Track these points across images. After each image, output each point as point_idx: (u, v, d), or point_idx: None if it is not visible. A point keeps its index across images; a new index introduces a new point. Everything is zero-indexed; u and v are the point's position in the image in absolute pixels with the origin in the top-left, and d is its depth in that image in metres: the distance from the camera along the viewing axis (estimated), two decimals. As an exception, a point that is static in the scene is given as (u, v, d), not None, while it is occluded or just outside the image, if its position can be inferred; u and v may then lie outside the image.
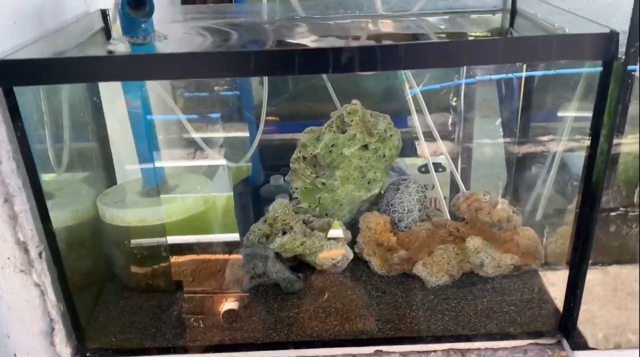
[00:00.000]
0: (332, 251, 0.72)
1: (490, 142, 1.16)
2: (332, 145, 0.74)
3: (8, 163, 0.61)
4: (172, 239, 0.76)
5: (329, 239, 0.74)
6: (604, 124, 0.58)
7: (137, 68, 0.55)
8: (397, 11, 0.83)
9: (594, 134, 0.59)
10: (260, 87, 1.51)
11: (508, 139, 1.07)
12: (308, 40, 0.72)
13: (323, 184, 0.76)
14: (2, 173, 0.62)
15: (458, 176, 0.96)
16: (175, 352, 0.71)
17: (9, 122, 0.59)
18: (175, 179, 0.80)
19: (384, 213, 0.77)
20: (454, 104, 1.14)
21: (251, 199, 1.22)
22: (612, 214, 0.73)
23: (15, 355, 0.73)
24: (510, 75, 1.03)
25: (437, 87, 1.13)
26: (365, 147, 0.75)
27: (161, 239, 0.74)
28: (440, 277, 0.72)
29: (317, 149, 0.74)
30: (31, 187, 0.62)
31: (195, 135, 0.94)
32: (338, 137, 0.74)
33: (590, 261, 0.64)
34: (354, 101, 0.75)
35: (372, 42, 0.69)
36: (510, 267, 0.73)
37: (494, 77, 1.10)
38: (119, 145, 0.82)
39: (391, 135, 0.75)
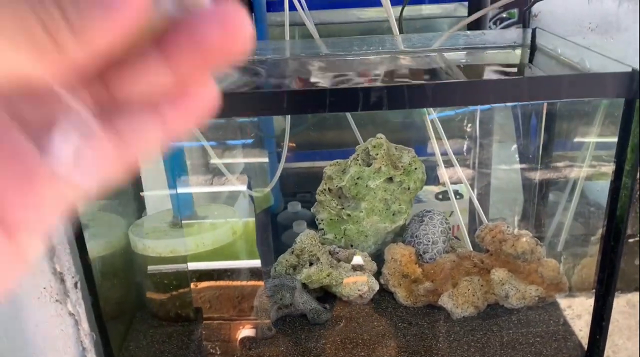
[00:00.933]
0: (356, 277, 0.73)
1: (506, 168, 1.17)
2: (357, 178, 0.76)
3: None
4: (192, 266, 0.78)
5: (355, 269, 0.75)
6: (627, 160, 0.60)
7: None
8: (418, 47, 0.86)
9: (618, 169, 0.60)
10: (280, 117, 1.53)
11: (524, 165, 1.08)
12: (332, 77, 0.75)
13: (348, 215, 0.78)
14: (43, 206, 0.65)
15: (477, 202, 0.97)
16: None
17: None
18: (204, 210, 0.82)
19: (408, 244, 0.78)
20: (469, 130, 1.16)
21: (271, 223, 1.24)
22: (631, 240, 0.74)
23: (47, 383, 0.75)
24: (526, 102, 1.04)
25: (452, 113, 1.15)
26: (390, 179, 0.77)
27: (186, 268, 0.76)
28: (466, 308, 0.72)
29: (343, 182, 0.76)
30: (69, 218, 0.64)
31: (218, 161, 0.96)
32: (364, 170, 0.76)
33: (615, 294, 0.64)
34: (379, 135, 0.77)
35: (398, 81, 0.72)
36: (535, 298, 0.73)
37: (509, 104, 1.12)
38: (149, 176, 0.84)
39: (416, 168, 0.77)
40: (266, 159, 1.39)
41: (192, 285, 0.78)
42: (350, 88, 0.59)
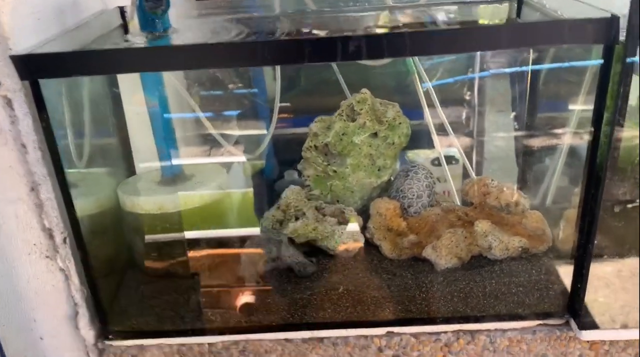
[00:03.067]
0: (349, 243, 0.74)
1: (502, 136, 1.18)
2: (342, 134, 0.76)
3: (34, 153, 0.65)
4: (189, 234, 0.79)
5: (340, 223, 0.76)
6: (607, 107, 0.60)
7: (154, 59, 0.58)
8: (406, 2, 0.85)
9: (597, 117, 0.61)
10: (274, 84, 1.53)
11: (521, 133, 1.08)
12: (319, 31, 0.75)
13: (334, 171, 0.79)
14: (29, 162, 0.65)
15: (470, 168, 0.97)
16: (192, 334, 0.73)
17: (35, 114, 0.62)
18: (191, 169, 0.82)
19: (393, 199, 0.79)
20: (467, 97, 1.15)
21: (266, 192, 1.25)
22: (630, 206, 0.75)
23: (41, 338, 0.76)
24: (523, 68, 1.04)
25: (451, 81, 1.15)
26: (375, 135, 0.77)
27: (178, 227, 0.77)
28: (449, 260, 0.74)
29: (328, 138, 0.77)
30: (56, 175, 0.65)
31: (213, 131, 0.96)
32: (348, 125, 0.76)
33: (595, 241, 0.65)
34: (364, 90, 0.77)
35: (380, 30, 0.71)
36: (519, 249, 0.74)
37: (506, 70, 1.11)
38: (138, 138, 0.85)
39: (400, 123, 0.78)
40: (263, 131, 1.39)
41: (189, 252, 0.79)
42: (328, 37, 0.59)
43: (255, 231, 0.80)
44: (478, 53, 1.06)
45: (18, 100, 0.62)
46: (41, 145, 0.64)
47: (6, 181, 0.67)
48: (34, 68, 0.57)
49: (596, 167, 0.63)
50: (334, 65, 0.96)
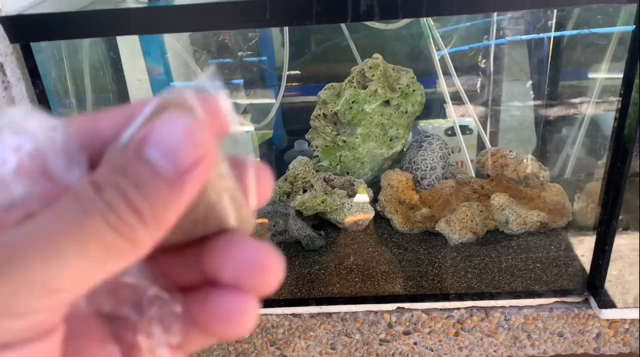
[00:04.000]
0: (357, 215, 0.71)
1: (520, 106, 1.13)
2: (352, 102, 0.73)
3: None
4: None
5: (350, 196, 0.73)
6: (638, 73, 0.55)
7: (152, 20, 0.55)
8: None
9: (627, 83, 0.56)
10: (282, 50, 1.48)
11: (538, 102, 1.04)
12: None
13: (344, 141, 0.75)
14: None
15: (486, 138, 0.94)
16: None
17: (28, 80, 0.59)
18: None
19: (406, 171, 0.76)
20: (482, 65, 1.11)
21: (275, 162, 1.22)
22: None
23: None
24: (540, 35, 0.99)
25: (466, 48, 1.10)
26: (387, 103, 0.73)
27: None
28: (464, 234, 0.70)
29: (338, 106, 0.73)
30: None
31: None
32: (359, 93, 0.72)
33: (620, 217, 0.62)
34: (376, 55, 0.73)
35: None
36: (537, 224, 0.71)
37: (524, 37, 1.06)
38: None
39: (414, 91, 0.73)
40: (272, 99, 1.35)
41: None
42: (338, -4, 0.54)
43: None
44: (494, 19, 1.01)
45: (10, 65, 0.59)
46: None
47: None
48: (24, 30, 0.54)
49: (623, 138, 0.59)
50: (345, 30, 0.92)
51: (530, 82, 1.05)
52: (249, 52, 1.32)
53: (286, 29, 1.00)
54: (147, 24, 0.56)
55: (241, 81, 1.29)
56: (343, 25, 0.94)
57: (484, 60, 1.10)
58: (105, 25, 0.55)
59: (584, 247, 0.71)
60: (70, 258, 0.17)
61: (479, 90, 1.12)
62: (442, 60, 0.88)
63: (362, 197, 0.76)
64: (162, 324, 0.20)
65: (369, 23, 0.87)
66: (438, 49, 0.88)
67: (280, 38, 1.47)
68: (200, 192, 0.18)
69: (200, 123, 0.18)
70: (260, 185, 0.21)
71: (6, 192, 0.18)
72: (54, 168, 0.19)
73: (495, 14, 0.97)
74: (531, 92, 1.06)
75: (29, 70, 0.57)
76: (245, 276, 0.20)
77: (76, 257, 0.17)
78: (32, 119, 0.19)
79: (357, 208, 0.71)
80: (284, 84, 0.98)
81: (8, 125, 0.19)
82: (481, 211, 0.71)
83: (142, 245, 0.18)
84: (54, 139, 0.19)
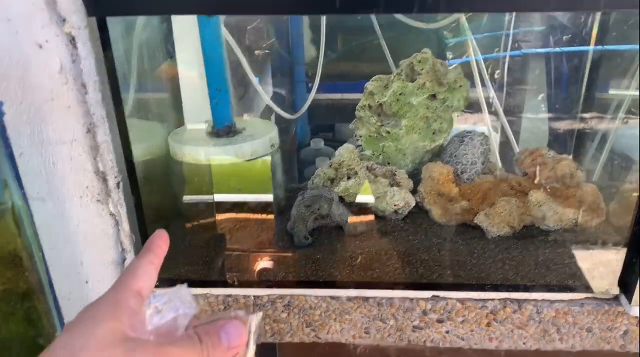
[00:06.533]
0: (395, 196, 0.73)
1: (533, 117, 1.15)
2: (400, 94, 0.75)
3: (94, 94, 0.64)
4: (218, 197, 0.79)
5: (392, 185, 0.75)
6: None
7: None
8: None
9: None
10: (310, 46, 1.50)
11: (554, 115, 1.05)
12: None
13: (388, 132, 0.77)
14: (88, 103, 0.65)
15: (514, 141, 0.96)
16: (239, 286, 0.74)
17: (99, 53, 0.61)
18: (242, 123, 0.82)
19: (446, 164, 0.78)
20: (496, 76, 1.13)
21: (296, 157, 1.24)
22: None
23: (86, 282, 0.77)
24: (556, 49, 1.01)
25: (482, 58, 1.12)
26: (433, 96, 0.76)
27: (227, 177, 0.76)
28: (502, 228, 0.73)
29: (385, 97, 0.75)
30: (116, 118, 0.64)
31: (259, 89, 0.95)
32: (407, 85, 0.75)
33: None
34: (425, 50, 0.75)
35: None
36: (572, 221, 0.73)
37: (539, 50, 1.08)
38: (188, 88, 0.84)
39: (460, 86, 0.76)
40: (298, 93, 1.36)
41: (217, 215, 0.79)
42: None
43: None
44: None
45: (82, 39, 0.61)
46: (102, 87, 0.63)
47: (63, 121, 0.66)
48: (103, 4, 0.56)
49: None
50: (377, 27, 0.93)
51: (544, 94, 1.07)
52: (277, 45, 1.33)
53: (323, 22, 1.01)
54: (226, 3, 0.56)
55: (268, 73, 1.30)
56: (375, 24, 0.96)
57: (497, 71, 1.11)
58: (185, 4, 0.56)
59: (617, 246, 0.73)
60: None
61: (491, 100, 1.14)
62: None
63: (404, 188, 0.77)
64: None
65: (410, 21, 0.89)
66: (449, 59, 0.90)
67: (309, 34, 1.49)
68: None
69: (246, 331, 0.42)
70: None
71: (176, 333, 0.40)
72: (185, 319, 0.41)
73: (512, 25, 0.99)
74: (544, 105, 1.08)
75: (103, 44, 0.59)
76: None
77: None
78: (187, 293, 0.42)
79: (399, 197, 0.73)
80: (318, 78, 1.00)
81: (178, 298, 0.41)
82: (518, 207, 0.74)
83: None
84: (192, 306, 0.42)
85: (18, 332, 0.67)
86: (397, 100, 0.75)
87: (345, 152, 0.73)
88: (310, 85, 1.15)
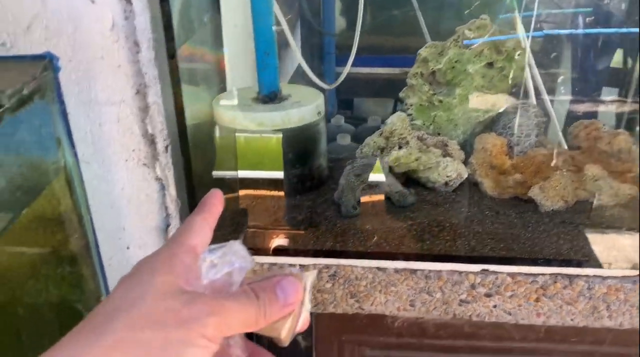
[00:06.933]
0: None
1: (554, 99, 1.12)
2: (455, 61, 0.73)
3: (147, 52, 0.62)
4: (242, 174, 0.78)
5: (444, 156, 0.73)
6: None
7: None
8: None
9: None
10: (341, 19, 1.47)
11: (576, 97, 1.02)
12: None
13: (440, 101, 0.75)
14: (140, 62, 0.63)
15: (551, 110, 0.93)
16: (286, 254, 0.73)
17: (155, 9, 0.59)
18: (288, 89, 0.79)
19: (499, 136, 0.76)
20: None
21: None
22: None
23: (128, 248, 0.76)
24: (580, 31, 0.98)
25: (503, 38, 1.08)
26: (490, 65, 0.73)
27: (273, 144, 0.74)
28: (556, 201, 0.71)
29: (440, 64, 0.73)
30: (171, 78, 0.62)
31: (300, 58, 0.92)
32: (463, 52, 0.72)
33: None
34: (483, 16, 0.72)
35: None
36: (628, 197, 0.71)
37: (562, 32, 1.05)
38: (233, 52, 0.82)
39: (519, 54, 0.73)
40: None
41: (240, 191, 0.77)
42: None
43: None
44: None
45: (137, -7, 0.59)
46: (156, 45, 0.61)
47: (112, 81, 0.64)
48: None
49: None
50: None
51: (564, 77, 1.04)
52: (308, 16, 1.30)
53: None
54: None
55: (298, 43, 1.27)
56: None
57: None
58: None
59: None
60: (237, 318, 0.37)
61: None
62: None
63: (456, 159, 0.75)
64: None
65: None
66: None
67: (340, 6, 1.45)
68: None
69: (302, 288, 0.40)
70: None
71: (230, 289, 0.39)
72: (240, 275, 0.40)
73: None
74: (564, 88, 1.04)
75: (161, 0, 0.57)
76: None
77: (239, 319, 0.37)
78: (242, 248, 0.41)
79: (452, 168, 0.72)
80: (354, 50, 0.98)
81: (234, 253, 0.40)
82: (573, 181, 0.72)
83: (259, 325, 0.38)
84: (248, 260, 0.41)
85: (64, 297, 0.66)
86: (453, 67, 0.72)
87: (397, 120, 0.71)
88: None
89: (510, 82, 0.74)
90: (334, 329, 0.80)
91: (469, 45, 0.72)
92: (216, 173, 0.79)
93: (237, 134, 0.72)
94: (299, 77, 1.14)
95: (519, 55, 0.73)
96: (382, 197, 0.72)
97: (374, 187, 0.73)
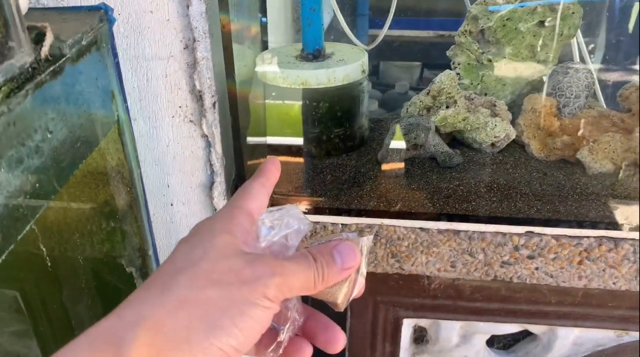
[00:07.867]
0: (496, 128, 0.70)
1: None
2: (507, 19, 0.71)
3: (198, 5, 0.61)
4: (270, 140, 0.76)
5: (492, 116, 0.72)
6: None
7: None
8: None
9: None
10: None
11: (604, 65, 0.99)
12: None
13: (489, 60, 0.74)
14: (190, 16, 0.62)
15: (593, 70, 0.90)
16: (328, 213, 0.73)
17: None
18: (332, 47, 0.78)
19: (549, 96, 0.75)
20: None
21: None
22: None
23: (171, 204, 0.77)
24: None
25: (532, 4, 1.05)
26: (541, 23, 0.71)
27: (322, 103, 0.74)
28: (604, 164, 0.70)
29: (490, 22, 0.71)
30: (222, 31, 0.62)
31: (344, 24, 0.90)
32: (516, 10, 0.70)
33: None
34: (537, -27, 0.70)
35: None
36: (680, 162, 0.70)
37: None
38: (275, 8, 0.80)
39: (573, 13, 0.71)
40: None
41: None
42: None
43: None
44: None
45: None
46: (208, -3, 0.60)
47: (160, 35, 0.64)
48: None
49: None
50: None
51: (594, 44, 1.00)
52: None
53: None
54: None
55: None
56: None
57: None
58: None
59: None
60: (297, 280, 0.37)
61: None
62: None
63: (505, 120, 0.73)
64: (293, 328, 0.40)
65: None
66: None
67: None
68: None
69: (359, 253, 0.40)
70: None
71: (287, 252, 0.40)
72: (297, 238, 0.40)
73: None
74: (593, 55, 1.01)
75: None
76: (326, 346, 0.41)
77: (298, 281, 0.37)
78: (298, 212, 0.41)
79: (501, 128, 0.71)
80: (393, 9, 0.95)
81: (290, 215, 0.40)
82: (622, 144, 0.71)
83: (317, 288, 0.38)
84: (305, 223, 0.41)
85: (112, 253, 0.67)
86: (504, 25, 0.71)
87: (445, 79, 0.70)
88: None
89: (562, 41, 0.72)
90: (370, 289, 0.80)
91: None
92: (251, 139, 0.79)
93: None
94: (327, 38, 1.12)
95: (573, 13, 0.70)
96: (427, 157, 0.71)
97: (418, 147, 0.72)
